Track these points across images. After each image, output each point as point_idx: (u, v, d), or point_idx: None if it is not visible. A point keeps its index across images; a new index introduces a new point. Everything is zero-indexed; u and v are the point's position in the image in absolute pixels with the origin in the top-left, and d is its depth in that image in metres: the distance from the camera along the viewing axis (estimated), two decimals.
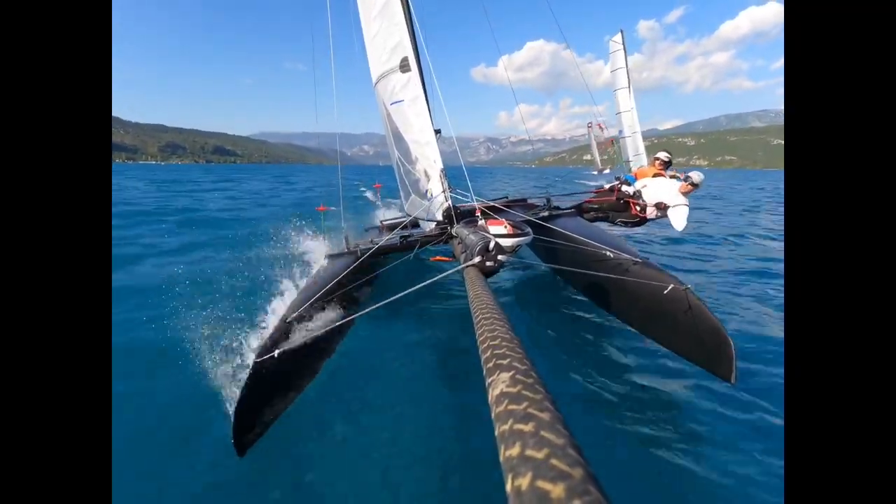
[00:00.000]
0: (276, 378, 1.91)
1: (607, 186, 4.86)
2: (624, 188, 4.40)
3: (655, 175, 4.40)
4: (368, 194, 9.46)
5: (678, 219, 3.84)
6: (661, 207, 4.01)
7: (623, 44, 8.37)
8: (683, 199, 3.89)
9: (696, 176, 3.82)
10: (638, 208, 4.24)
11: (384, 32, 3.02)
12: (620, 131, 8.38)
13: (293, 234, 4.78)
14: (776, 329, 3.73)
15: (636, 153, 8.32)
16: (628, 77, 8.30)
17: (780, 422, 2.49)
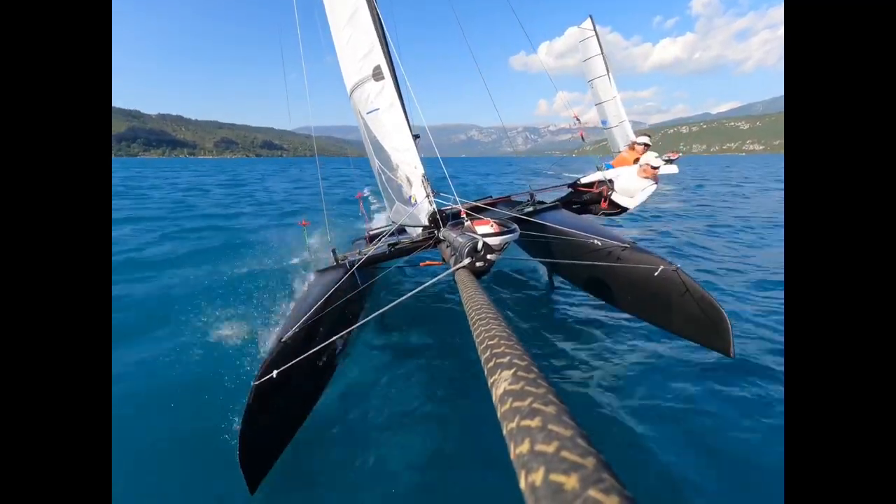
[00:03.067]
0: (278, 401, 1.89)
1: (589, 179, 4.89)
2: (584, 179, 4.49)
3: (636, 160, 4.45)
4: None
5: (629, 200, 4.02)
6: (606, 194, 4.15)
7: (594, 29, 7.76)
8: (647, 182, 4.00)
9: (653, 159, 3.94)
10: (611, 197, 4.29)
11: (354, 41, 2.99)
12: (604, 121, 7.78)
13: None
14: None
15: (627, 142, 7.78)
16: (605, 64, 7.68)
17: (779, 395, 2.54)
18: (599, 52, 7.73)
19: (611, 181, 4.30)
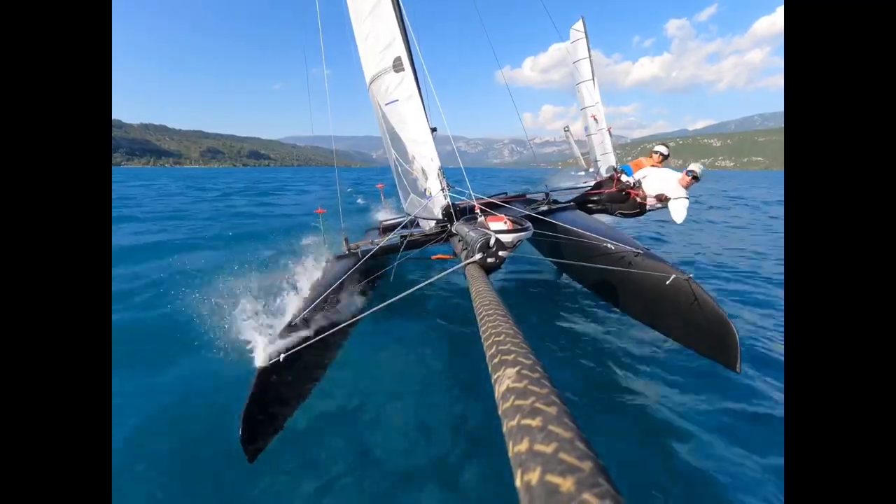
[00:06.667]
0: (282, 382, 1.92)
1: (607, 178, 4.79)
2: (623, 179, 4.36)
3: (654, 167, 4.36)
4: (360, 200, 10.27)
5: (678, 212, 3.84)
6: (663, 199, 3.97)
7: (585, 32, 7.73)
8: (684, 192, 3.89)
9: (697, 168, 3.79)
10: (639, 198, 4.21)
11: (375, 33, 3.05)
12: (586, 128, 7.87)
13: None
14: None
15: (604, 152, 7.78)
16: (592, 68, 7.71)
17: (783, 412, 2.48)
18: (587, 55, 7.78)
19: (638, 182, 4.22)
